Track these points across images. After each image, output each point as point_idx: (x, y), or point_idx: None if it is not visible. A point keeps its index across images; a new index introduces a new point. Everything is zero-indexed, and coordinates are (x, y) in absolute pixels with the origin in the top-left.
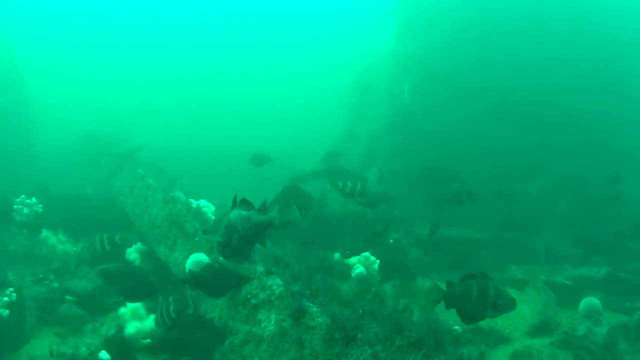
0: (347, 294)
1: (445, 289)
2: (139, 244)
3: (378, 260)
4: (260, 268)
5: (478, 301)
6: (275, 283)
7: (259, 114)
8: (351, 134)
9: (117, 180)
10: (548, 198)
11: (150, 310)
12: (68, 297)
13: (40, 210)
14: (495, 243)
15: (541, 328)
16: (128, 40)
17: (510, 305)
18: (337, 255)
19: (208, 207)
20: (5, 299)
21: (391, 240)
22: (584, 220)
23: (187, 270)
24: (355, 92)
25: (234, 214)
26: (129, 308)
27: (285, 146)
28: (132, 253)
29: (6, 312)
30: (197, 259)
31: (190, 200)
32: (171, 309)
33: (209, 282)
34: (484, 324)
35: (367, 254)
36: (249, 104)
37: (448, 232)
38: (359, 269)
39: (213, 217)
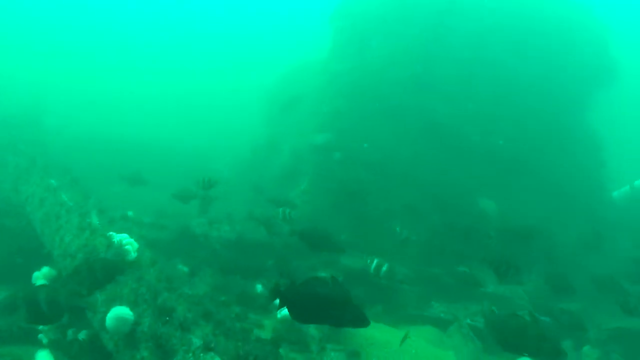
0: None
1: None
2: (47, 268)
3: None
4: (197, 341)
5: None
6: None
7: (178, 111)
8: (272, 144)
9: (26, 185)
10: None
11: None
12: None
13: None
14: (420, 277)
15: None
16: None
17: None
18: (259, 288)
19: (131, 245)
20: None
21: None
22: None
23: (107, 326)
24: (279, 99)
25: None
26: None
27: (201, 145)
28: (39, 278)
29: None
30: (119, 314)
31: (110, 233)
32: None
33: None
34: None
35: None
36: (171, 100)
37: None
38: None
39: (135, 255)
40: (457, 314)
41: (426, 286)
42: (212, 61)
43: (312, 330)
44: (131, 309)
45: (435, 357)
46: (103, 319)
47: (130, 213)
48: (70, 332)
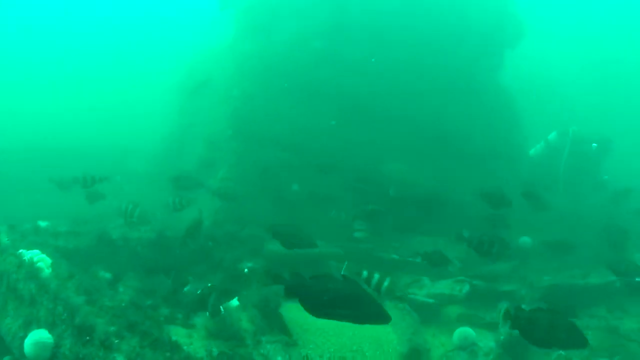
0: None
1: None
2: None
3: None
4: (121, 359)
5: None
6: None
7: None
8: (185, 134)
9: None
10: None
11: None
12: None
13: None
14: (349, 254)
15: (413, 358)
16: None
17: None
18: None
19: (43, 261)
20: None
21: (245, 270)
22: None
23: (26, 353)
24: (187, 88)
25: None
26: None
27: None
28: None
29: None
30: (38, 339)
31: (21, 251)
32: None
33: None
34: (352, 356)
35: None
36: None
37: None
38: None
39: (49, 271)
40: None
41: (357, 263)
42: (125, 63)
43: (245, 323)
44: (50, 331)
45: (374, 335)
46: (22, 345)
47: (43, 224)
48: None
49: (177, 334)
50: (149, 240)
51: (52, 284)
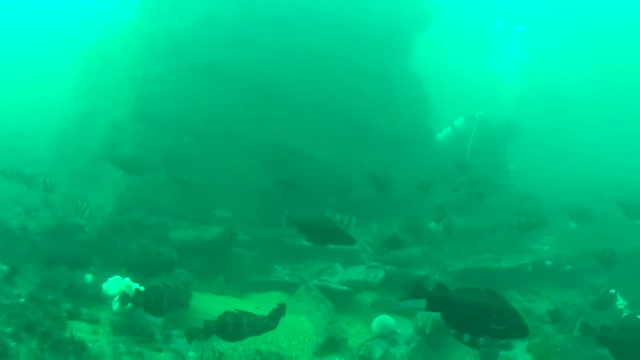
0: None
1: None
2: None
3: (142, 287)
4: None
5: None
6: None
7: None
8: (87, 118)
9: None
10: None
11: None
12: None
13: None
14: (258, 241)
15: (330, 348)
16: None
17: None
18: (89, 277)
19: None
20: None
21: None
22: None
23: None
24: (90, 68)
25: None
26: None
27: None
28: None
29: None
30: None
31: None
32: None
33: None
34: (267, 348)
35: (128, 280)
36: None
37: (205, 235)
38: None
39: None
40: (302, 275)
41: (266, 249)
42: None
43: (153, 317)
44: None
45: (289, 325)
46: None
47: None
48: None
49: (82, 330)
50: (48, 229)
51: None
